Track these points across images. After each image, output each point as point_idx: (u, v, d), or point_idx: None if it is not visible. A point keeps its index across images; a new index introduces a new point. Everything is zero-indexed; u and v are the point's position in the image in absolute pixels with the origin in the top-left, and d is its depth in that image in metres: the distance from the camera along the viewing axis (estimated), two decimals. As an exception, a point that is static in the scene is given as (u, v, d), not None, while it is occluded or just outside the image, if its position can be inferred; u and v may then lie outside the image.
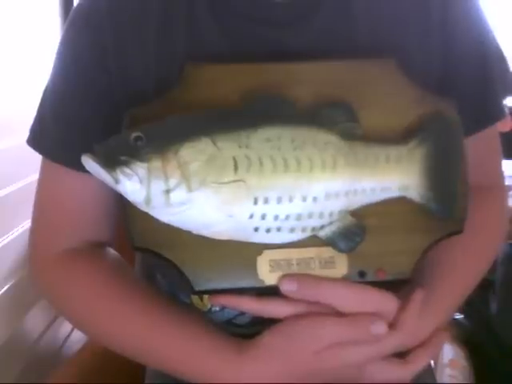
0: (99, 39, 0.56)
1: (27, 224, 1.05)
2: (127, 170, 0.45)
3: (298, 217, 0.48)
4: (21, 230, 1.05)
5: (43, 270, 0.61)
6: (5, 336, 0.94)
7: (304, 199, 0.47)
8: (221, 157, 0.46)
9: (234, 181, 0.46)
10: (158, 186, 0.45)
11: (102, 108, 0.57)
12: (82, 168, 0.57)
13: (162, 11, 0.56)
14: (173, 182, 0.45)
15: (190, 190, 0.46)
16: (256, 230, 0.48)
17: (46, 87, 0.60)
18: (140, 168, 0.45)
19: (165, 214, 0.47)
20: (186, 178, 0.46)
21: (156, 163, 0.45)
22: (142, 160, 0.45)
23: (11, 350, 0.97)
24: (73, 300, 0.58)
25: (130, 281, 0.59)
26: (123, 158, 0.45)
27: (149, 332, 0.54)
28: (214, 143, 0.47)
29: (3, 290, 0.96)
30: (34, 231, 0.62)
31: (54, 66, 0.59)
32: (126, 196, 0.46)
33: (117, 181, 0.45)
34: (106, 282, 0.57)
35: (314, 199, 0.48)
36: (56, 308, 0.62)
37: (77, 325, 0.62)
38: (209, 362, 0.52)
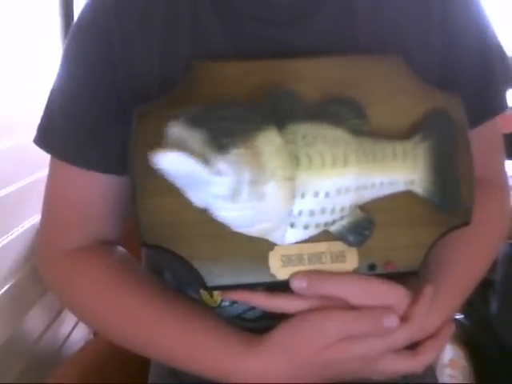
0: (106, 39, 0.56)
1: (27, 224, 1.06)
2: (219, 162, 0.43)
3: (311, 213, 0.48)
4: (21, 230, 1.05)
5: (51, 266, 0.61)
6: (5, 336, 0.94)
7: (316, 195, 0.48)
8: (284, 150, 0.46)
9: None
10: (242, 177, 0.44)
11: (109, 106, 0.57)
12: (90, 166, 0.57)
13: (167, 11, 0.57)
14: (253, 173, 0.44)
15: (265, 182, 0.45)
16: None
17: (53, 87, 0.60)
18: (230, 158, 0.44)
19: (237, 208, 0.46)
20: (263, 170, 0.45)
21: (240, 154, 0.44)
22: (228, 152, 0.44)
23: (11, 349, 0.97)
24: (81, 294, 0.59)
25: (138, 275, 0.59)
26: (211, 150, 0.44)
27: (156, 325, 0.55)
28: (279, 135, 0.46)
29: (3, 290, 0.96)
30: (43, 229, 0.63)
31: (62, 66, 0.60)
32: (211, 190, 0.45)
33: (218, 172, 0.43)
34: (114, 276, 0.58)
35: (326, 195, 0.48)
36: (64, 302, 0.63)
37: (84, 319, 0.63)
38: (216, 355, 0.52)
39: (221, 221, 0.47)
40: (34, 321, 1.08)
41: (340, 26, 0.57)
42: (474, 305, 1.19)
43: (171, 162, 0.43)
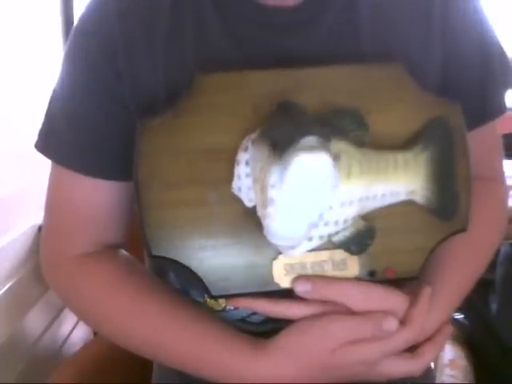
0: (110, 44, 0.56)
1: (27, 224, 1.06)
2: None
3: (315, 225, 0.48)
4: (21, 230, 1.05)
5: (57, 272, 0.61)
6: (5, 336, 0.95)
7: None
8: None
9: None
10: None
11: (113, 112, 0.57)
12: (93, 173, 0.57)
13: (171, 17, 0.56)
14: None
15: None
16: None
17: (55, 89, 0.59)
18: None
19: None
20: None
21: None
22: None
23: (11, 349, 0.97)
24: (87, 299, 0.59)
25: (143, 279, 0.59)
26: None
27: (162, 328, 0.55)
28: None
29: (3, 290, 0.96)
30: (47, 234, 0.62)
31: (63, 68, 0.59)
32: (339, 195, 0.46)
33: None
34: (119, 280, 0.58)
35: (330, 207, 0.48)
36: (70, 307, 0.63)
37: (91, 323, 0.63)
38: (225, 358, 0.53)
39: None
40: (34, 321, 1.08)
41: (343, 32, 0.57)
42: (474, 305, 1.19)
43: (314, 163, 0.41)
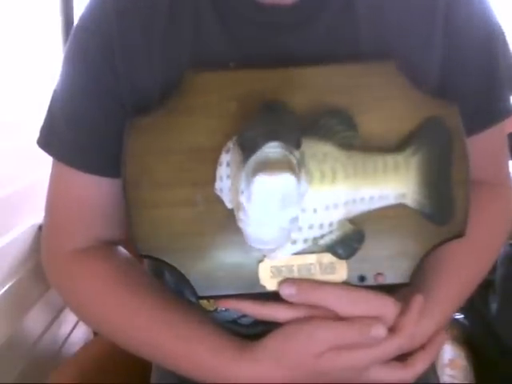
0: (108, 43, 0.56)
1: (27, 223, 1.06)
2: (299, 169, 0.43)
3: (299, 228, 0.47)
4: (21, 230, 1.05)
5: (55, 267, 0.62)
6: (5, 336, 0.95)
7: (303, 211, 0.47)
8: None
9: None
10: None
11: (113, 111, 0.57)
12: (92, 170, 0.58)
13: (169, 17, 0.56)
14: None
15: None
16: None
17: (56, 88, 0.60)
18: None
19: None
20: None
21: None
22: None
23: (11, 350, 0.97)
24: (82, 295, 0.59)
25: (139, 277, 0.60)
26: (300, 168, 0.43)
27: (155, 327, 0.55)
28: None
29: (3, 290, 0.96)
30: (47, 230, 0.63)
31: (63, 68, 0.59)
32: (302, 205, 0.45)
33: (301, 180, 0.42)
34: (116, 278, 0.58)
35: (314, 211, 0.47)
36: (67, 303, 0.64)
37: (86, 320, 0.64)
38: (211, 359, 0.53)
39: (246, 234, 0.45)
40: (34, 321, 1.08)
41: (341, 31, 0.56)
42: (474, 305, 1.19)
43: (277, 184, 0.40)
